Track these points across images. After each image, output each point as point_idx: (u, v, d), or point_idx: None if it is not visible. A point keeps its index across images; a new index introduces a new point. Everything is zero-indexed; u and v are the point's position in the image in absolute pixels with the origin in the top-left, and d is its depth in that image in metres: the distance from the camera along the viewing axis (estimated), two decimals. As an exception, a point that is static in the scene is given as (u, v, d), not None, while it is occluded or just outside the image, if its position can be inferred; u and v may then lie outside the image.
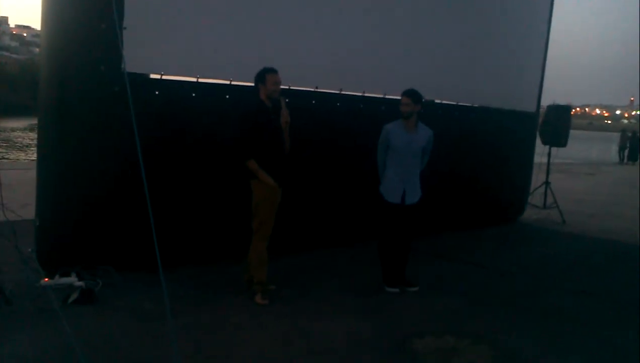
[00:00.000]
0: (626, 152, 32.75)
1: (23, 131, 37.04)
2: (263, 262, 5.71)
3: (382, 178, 6.35)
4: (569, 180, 18.20)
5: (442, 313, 5.78)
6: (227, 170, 6.45)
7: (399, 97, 6.28)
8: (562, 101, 12.12)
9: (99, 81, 5.83)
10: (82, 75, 5.84)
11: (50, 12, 5.87)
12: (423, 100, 6.30)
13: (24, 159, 21.78)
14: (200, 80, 6.43)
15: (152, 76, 6.14)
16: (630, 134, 33.68)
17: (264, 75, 5.59)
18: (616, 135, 34.66)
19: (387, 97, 7.94)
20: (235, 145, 5.64)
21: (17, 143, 28.41)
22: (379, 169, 6.39)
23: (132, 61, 5.52)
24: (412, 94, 6.17)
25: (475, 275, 7.26)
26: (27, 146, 26.30)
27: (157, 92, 6.16)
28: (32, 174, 6.43)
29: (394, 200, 6.24)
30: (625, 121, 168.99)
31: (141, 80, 5.94)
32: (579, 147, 28.49)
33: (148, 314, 5.20)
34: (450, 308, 5.92)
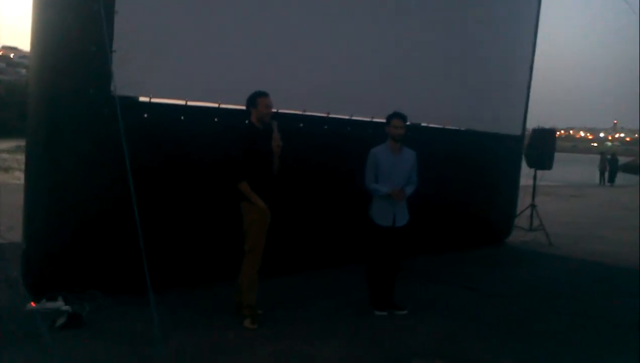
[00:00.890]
0: (606, 174, 33.05)
1: (9, 153, 36.78)
2: (253, 285, 5.71)
3: (374, 198, 6.35)
4: (554, 202, 18.32)
5: (433, 336, 5.77)
6: (216, 192, 6.47)
7: (384, 120, 6.35)
8: (546, 124, 12.24)
9: (88, 104, 5.83)
10: (71, 98, 5.84)
11: (39, 34, 5.88)
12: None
13: (11, 181, 21.61)
14: (189, 103, 6.46)
15: (141, 99, 6.17)
16: (609, 157, 34.11)
17: (256, 98, 5.64)
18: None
19: (374, 120, 8.00)
20: (228, 168, 5.67)
21: (3, 165, 28.18)
22: (372, 192, 6.33)
23: (121, 84, 5.55)
24: (403, 117, 6.27)
25: (464, 297, 7.27)
26: (12, 168, 26.10)
27: (145, 115, 6.18)
28: (18, 196, 6.39)
29: (384, 224, 6.27)
30: (609, 144, 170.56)
31: (130, 103, 5.95)
32: (564, 170, 28.68)
33: (137, 338, 5.16)
34: (441, 331, 5.93)
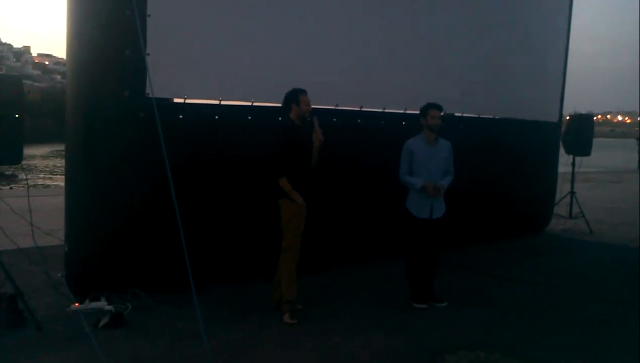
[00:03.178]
0: None
1: (46, 158, 37.54)
2: (292, 280, 5.73)
3: (410, 190, 6.31)
4: (594, 189, 18.00)
5: (472, 327, 5.73)
6: (253, 190, 6.51)
7: (417, 112, 6.31)
8: (583, 109, 12.04)
9: (125, 107, 5.91)
10: (107, 102, 5.92)
11: (74, 41, 5.97)
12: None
13: (50, 185, 22.06)
14: (223, 102, 6.50)
15: (176, 100, 6.22)
16: None
17: (298, 96, 5.68)
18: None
19: (407, 112, 7.95)
20: (267, 164, 5.71)
21: (42, 170, 28.80)
22: (407, 184, 6.30)
23: (156, 86, 5.60)
24: (440, 107, 6.23)
25: (503, 287, 7.19)
26: (51, 173, 26.66)
27: (180, 116, 6.24)
28: (59, 199, 6.52)
29: (422, 216, 6.23)
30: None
31: (165, 104, 6.01)
32: (603, 155, 28.16)
33: (179, 335, 5.22)
34: (480, 322, 5.88)
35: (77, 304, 5.58)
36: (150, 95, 5.46)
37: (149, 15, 5.85)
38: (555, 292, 7.06)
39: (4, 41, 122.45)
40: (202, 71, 6.34)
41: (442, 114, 6.26)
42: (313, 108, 5.77)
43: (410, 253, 6.39)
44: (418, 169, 6.23)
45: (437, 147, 6.28)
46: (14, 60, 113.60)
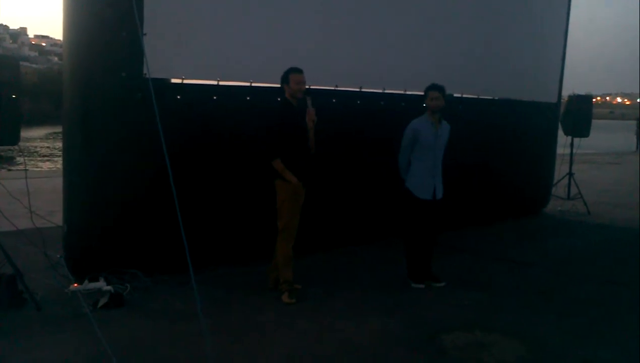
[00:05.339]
0: None
1: (44, 140, 37.47)
2: (288, 261, 5.75)
3: (405, 175, 6.34)
4: (592, 170, 18.02)
5: (470, 308, 5.75)
6: (252, 171, 6.49)
7: (419, 93, 6.28)
8: (582, 91, 12.02)
9: (122, 88, 5.88)
10: (104, 83, 5.89)
11: (71, 21, 5.93)
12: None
13: (48, 167, 22.04)
14: (221, 83, 6.47)
15: (174, 81, 6.19)
16: None
17: (288, 75, 5.65)
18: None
19: (407, 93, 7.93)
20: (261, 145, 5.70)
21: (39, 152, 28.75)
22: (401, 167, 6.35)
23: (153, 67, 5.55)
24: (441, 88, 6.18)
25: (501, 268, 7.22)
26: (49, 154, 26.61)
27: (178, 97, 6.20)
28: (57, 181, 6.51)
29: (425, 196, 6.22)
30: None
31: (163, 85, 5.97)
32: (601, 137, 28.16)
33: (177, 315, 5.25)
34: (478, 303, 5.90)
35: (76, 285, 5.60)
36: (148, 76, 5.44)
37: (146, -5, 5.80)
38: (553, 273, 7.08)
39: (0, 22, 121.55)
40: (200, 51, 6.29)
41: (444, 95, 6.19)
42: (313, 88, 5.75)
43: (410, 233, 6.39)
44: (423, 151, 6.20)
45: (441, 129, 6.26)
46: (11, 41, 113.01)
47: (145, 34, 5.69)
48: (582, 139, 11.59)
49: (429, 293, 6.18)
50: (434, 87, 6.19)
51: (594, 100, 12.53)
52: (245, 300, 5.74)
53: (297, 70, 5.67)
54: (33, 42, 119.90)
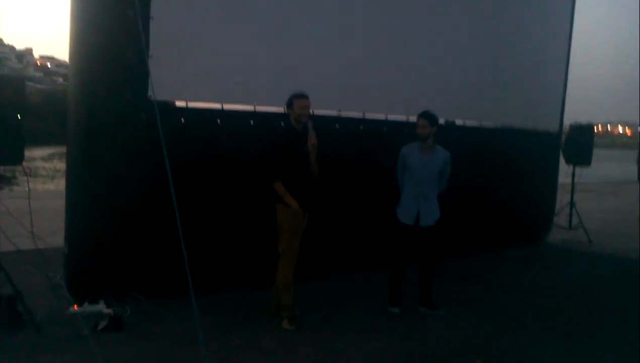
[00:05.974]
0: None
1: (47, 160, 37.50)
2: (289, 286, 5.72)
3: (401, 194, 6.38)
4: (593, 199, 17.98)
5: (470, 334, 5.74)
6: (254, 196, 6.49)
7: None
8: (583, 120, 12.06)
9: (126, 109, 5.91)
10: (109, 104, 5.91)
11: (77, 42, 5.97)
12: (439, 122, 6.31)
13: (49, 187, 22.02)
14: (225, 106, 6.50)
15: (178, 103, 6.22)
16: None
17: (292, 100, 5.69)
18: (640, 153, 33.96)
19: (410, 120, 7.94)
20: (263, 167, 5.72)
21: (41, 172, 28.75)
22: (400, 189, 6.42)
23: (158, 89, 5.59)
24: (428, 116, 6.17)
25: (501, 295, 7.20)
26: (51, 175, 26.59)
27: (182, 119, 6.24)
28: (59, 202, 6.50)
29: (406, 221, 6.24)
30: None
31: (167, 107, 6.00)
32: (603, 166, 28.14)
33: (177, 340, 5.22)
34: (478, 329, 5.89)
35: (75, 307, 5.58)
36: (152, 98, 5.47)
37: (152, 18, 5.85)
38: (554, 300, 7.07)
39: (6, 43, 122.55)
40: (204, 75, 6.33)
41: (434, 123, 6.19)
42: (316, 114, 5.77)
43: (393, 256, 6.41)
44: (409, 176, 6.27)
45: (432, 157, 6.26)
46: (16, 61, 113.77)
47: (151, 56, 5.73)
48: (584, 168, 11.60)
49: (431, 319, 6.16)
50: (421, 115, 6.21)
51: (595, 129, 12.53)
52: (245, 325, 5.71)
53: (302, 95, 5.70)
54: (38, 63, 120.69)
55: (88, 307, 5.59)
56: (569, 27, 10.96)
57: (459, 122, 8.93)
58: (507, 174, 9.76)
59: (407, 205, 6.27)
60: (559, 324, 6.15)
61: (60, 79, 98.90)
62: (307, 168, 5.69)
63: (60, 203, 6.29)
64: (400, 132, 7.80)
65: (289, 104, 5.71)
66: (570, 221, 11.57)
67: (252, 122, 6.72)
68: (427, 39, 8.33)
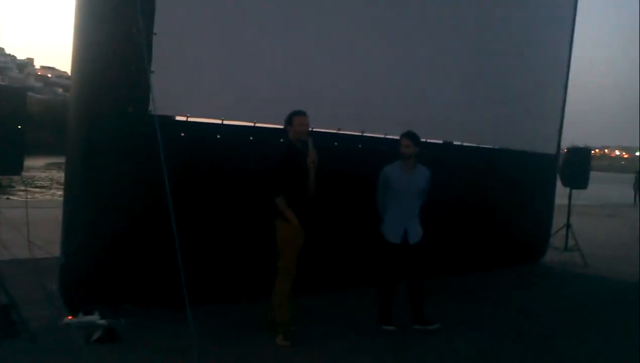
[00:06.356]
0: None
1: (44, 169, 37.51)
2: (285, 301, 5.72)
3: (383, 217, 6.42)
4: (589, 222, 18.01)
5: (466, 354, 5.75)
6: (252, 210, 6.52)
7: (423, 140, 6.37)
8: (580, 143, 12.13)
9: (127, 122, 5.95)
10: (110, 117, 5.96)
11: (80, 55, 6.03)
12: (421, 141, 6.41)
13: (47, 198, 22.03)
14: (225, 122, 6.55)
15: (178, 118, 6.27)
16: None
17: (292, 117, 5.74)
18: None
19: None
20: (265, 182, 5.75)
21: (38, 182, 28.76)
22: (379, 208, 6.48)
23: (159, 103, 5.64)
24: (412, 136, 6.30)
25: (498, 315, 7.21)
26: (49, 186, 26.62)
27: (182, 134, 6.27)
28: (56, 211, 6.53)
29: (394, 240, 6.29)
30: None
31: (168, 122, 6.04)
32: (599, 189, 28.26)
33: (171, 352, 5.21)
34: (473, 348, 5.91)
35: (70, 317, 5.58)
36: (153, 112, 5.52)
37: (155, 34, 5.91)
38: (547, 321, 7.08)
39: (7, 53, 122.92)
40: (206, 90, 6.39)
41: (417, 142, 6.29)
42: (315, 131, 5.81)
43: (382, 276, 6.45)
44: (393, 195, 6.33)
45: (414, 175, 6.36)
46: (17, 71, 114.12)
47: (153, 71, 5.79)
48: (580, 190, 11.64)
49: (426, 338, 6.15)
50: (404, 135, 6.33)
51: (592, 152, 12.60)
52: (240, 339, 5.71)
53: (301, 113, 5.75)
54: (39, 73, 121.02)
55: (83, 318, 5.59)
56: (568, 50, 11.08)
57: (456, 142, 8.98)
58: (504, 194, 9.80)
59: (393, 224, 6.33)
60: (556, 347, 6.16)
61: (60, 90, 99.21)
62: (305, 185, 5.72)
63: (58, 214, 6.32)
64: (398, 150, 7.84)
65: (289, 121, 5.77)
66: (567, 243, 11.59)
67: (251, 137, 6.77)
68: (427, 59, 8.41)
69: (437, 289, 6.55)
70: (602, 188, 35.38)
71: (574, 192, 11.65)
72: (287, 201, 5.62)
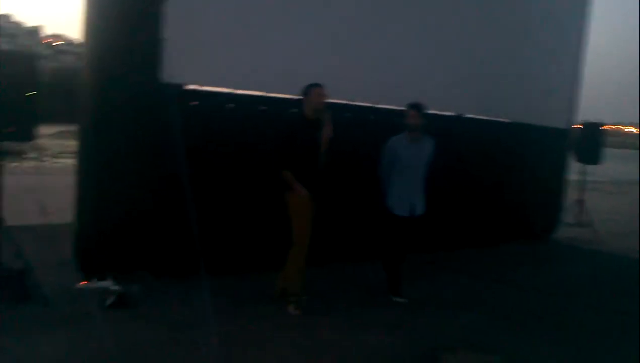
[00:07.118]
0: None
1: (55, 137, 37.56)
2: (297, 273, 5.74)
3: (387, 191, 6.40)
4: (602, 198, 17.90)
5: (470, 329, 5.76)
6: (264, 181, 6.50)
7: (434, 112, 6.31)
8: (593, 119, 12.00)
9: (138, 90, 5.93)
10: (121, 85, 5.93)
11: (90, 23, 5.99)
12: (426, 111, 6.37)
13: (56, 165, 22.08)
14: (237, 91, 6.51)
15: (190, 87, 6.24)
16: None
17: (309, 88, 5.69)
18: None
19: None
20: (272, 156, 5.73)
21: (50, 149, 28.80)
22: (382, 183, 6.44)
23: (171, 72, 5.62)
24: (418, 107, 6.26)
25: (504, 292, 7.19)
26: (59, 153, 26.66)
27: (194, 102, 6.25)
28: (67, 178, 6.53)
29: (403, 213, 6.30)
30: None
31: (179, 90, 6.03)
32: (612, 165, 28.01)
33: (182, 320, 5.26)
34: (479, 325, 5.91)
35: (84, 282, 5.63)
36: (165, 81, 5.49)
37: (167, 0, 5.86)
38: (551, 298, 7.08)
39: (16, 19, 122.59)
40: (218, 59, 6.35)
41: (422, 113, 6.26)
42: (327, 102, 5.75)
43: (388, 249, 6.47)
44: (400, 169, 6.29)
45: (420, 146, 6.33)
46: (26, 38, 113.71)
47: (164, 39, 5.75)
48: (595, 167, 11.56)
49: (429, 312, 6.18)
50: (410, 106, 6.29)
51: (605, 128, 12.44)
52: (250, 310, 5.73)
53: (319, 85, 5.70)
54: (48, 40, 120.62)
55: (96, 284, 5.64)
56: (582, 24, 10.88)
57: (468, 115, 8.90)
58: (514, 168, 9.75)
59: (401, 196, 6.31)
60: (562, 324, 6.15)
61: (70, 57, 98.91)
62: (316, 158, 5.68)
63: (69, 180, 6.33)
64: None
65: (306, 92, 5.71)
66: (579, 219, 11.53)
67: (263, 107, 6.73)
68: (439, 34, 8.33)
69: (444, 266, 6.50)
70: (615, 165, 35.08)
71: (587, 168, 11.56)
72: (296, 174, 5.59)
